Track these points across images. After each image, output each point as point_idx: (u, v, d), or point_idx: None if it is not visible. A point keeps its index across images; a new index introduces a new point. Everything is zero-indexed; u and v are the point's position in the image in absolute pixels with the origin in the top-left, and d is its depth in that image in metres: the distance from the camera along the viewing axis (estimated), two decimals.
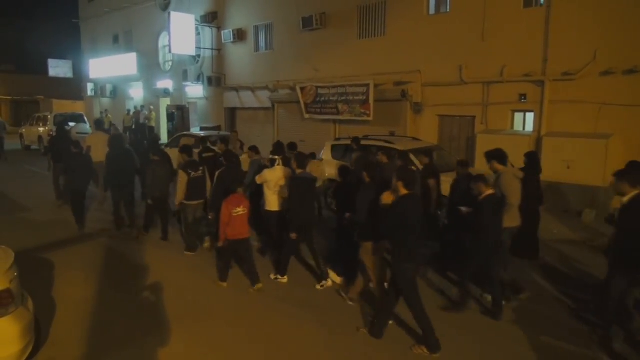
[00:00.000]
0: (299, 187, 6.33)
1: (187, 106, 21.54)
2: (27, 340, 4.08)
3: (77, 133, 17.84)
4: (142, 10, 24.59)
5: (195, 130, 18.48)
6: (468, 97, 12.52)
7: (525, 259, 7.10)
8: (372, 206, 5.31)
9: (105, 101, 28.96)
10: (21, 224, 9.40)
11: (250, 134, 17.96)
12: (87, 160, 9.19)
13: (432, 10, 13.45)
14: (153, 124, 22.59)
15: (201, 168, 7.59)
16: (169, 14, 19.60)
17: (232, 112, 20.55)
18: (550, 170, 9.55)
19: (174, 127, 20.28)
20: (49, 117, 22.06)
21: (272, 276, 6.58)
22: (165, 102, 23.33)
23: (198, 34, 20.39)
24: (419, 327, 4.82)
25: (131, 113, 23.79)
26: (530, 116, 11.82)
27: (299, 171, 6.47)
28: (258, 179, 7.00)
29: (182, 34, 19.46)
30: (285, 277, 6.53)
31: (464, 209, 6.06)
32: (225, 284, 6.39)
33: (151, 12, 23.80)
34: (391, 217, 4.72)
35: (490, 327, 5.30)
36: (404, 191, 4.79)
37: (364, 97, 14.19)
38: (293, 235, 6.34)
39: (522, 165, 7.46)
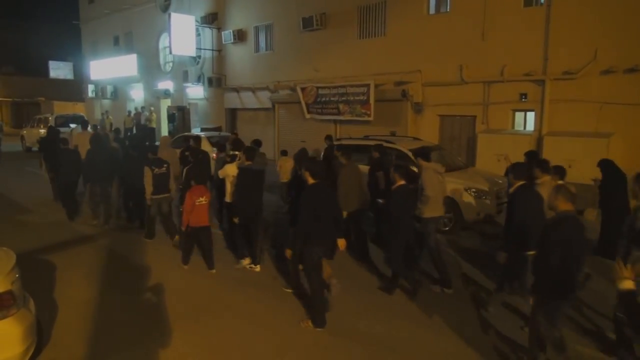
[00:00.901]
0: (245, 177, 6.80)
1: (188, 107, 21.55)
2: (29, 342, 4.09)
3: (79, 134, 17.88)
4: (142, 12, 24.63)
5: (196, 131, 18.49)
6: (469, 96, 12.52)
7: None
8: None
9: (106, 102, 29.00)
10: (22, 225, 9.42)
11: (251, 135, 17.93)
12: (74, 156, 9.80)
13: (432, 10, 13.46)
14: (154, 125, 22.62)
15: (165, 165, 8.01)
16: (169, 15, 19.63)
17: (232, 113, 20.57)
18: None
19: (174, 128, 20.29)
20: (50, 118, 22.10)
21: (247, 265, 6.92)
22: (165, 103, 23.36)
23: (198, 34, 20.41)
24: (310, 302, 5.39)
25: (132, 114, 23.82)
26: (531, 115, 11.82)
27: (247, 163, 6.95)
28: (220, 173, 7.51)
29: (183, 35, 19.49)
30: (258, 266, 6.91)
31: (380, 200, 6.97)
32: (186, 267, 6.99)
33: (151, 13, 23.83)
34: (301, 205, 5.14)
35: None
36: (311, 180, 5.19)
37: (365, 97, 14.19)
38: (235, 220, 6.92)
39: None
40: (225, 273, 6.82)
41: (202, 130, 17.88)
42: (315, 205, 5.05)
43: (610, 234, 7.46)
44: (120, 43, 27.52)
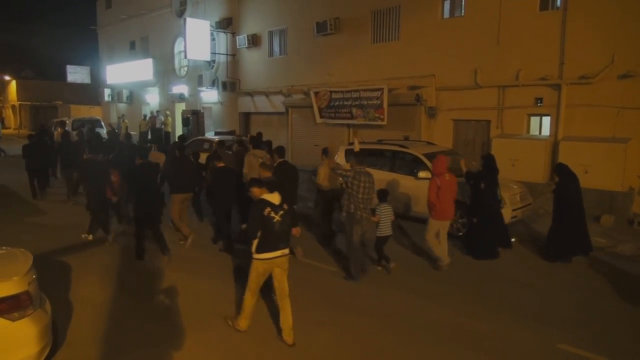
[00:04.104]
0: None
1: (202, 111, 21.72)
2: (45, 342, 4.14)
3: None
4: (158, 17, 24.92)
5: (210, 134, 18.62)
6: (483, 101, 12.42)
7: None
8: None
9: (122, 106, 29.36)
10: (39, 227, 9.56)
11: (265, 138, 17.99)
12: (37, 149, 12.13)
13: (446, 14, 13.40)
14: (169, 129, 22.83)
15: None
16: (185, 20, 19.83)
17: (246, 117, 20.68)
18: None
19: (189, 132, 20.44)
20: (67, 121, 22.45)
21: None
22: (180, 107, 23.56)
23: (213, 39, 20.58)
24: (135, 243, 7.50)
25: (147, 118, 24.08)
26: (546, 120, 11.67)
27: (139, 162, 8.89)
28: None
29: (198, 39, 19.66)
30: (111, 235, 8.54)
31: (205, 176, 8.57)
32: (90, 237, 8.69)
33: (167, 18, 24.10)
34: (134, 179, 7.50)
35: None
36: (139, 161, 7.45)
37: (378, 102, 14.16)
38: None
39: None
40: (233, 277, 6.84)
41: (216, 134, 17.99)
42: (142, 178, 7.27)
43: (559, 237, 7.39)
44: (136, 48, 27.87)
